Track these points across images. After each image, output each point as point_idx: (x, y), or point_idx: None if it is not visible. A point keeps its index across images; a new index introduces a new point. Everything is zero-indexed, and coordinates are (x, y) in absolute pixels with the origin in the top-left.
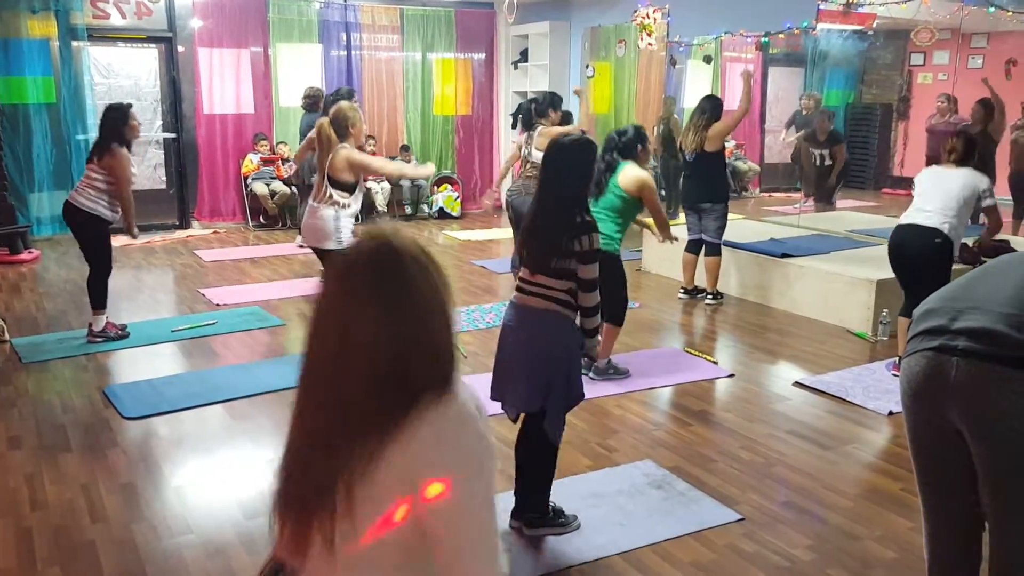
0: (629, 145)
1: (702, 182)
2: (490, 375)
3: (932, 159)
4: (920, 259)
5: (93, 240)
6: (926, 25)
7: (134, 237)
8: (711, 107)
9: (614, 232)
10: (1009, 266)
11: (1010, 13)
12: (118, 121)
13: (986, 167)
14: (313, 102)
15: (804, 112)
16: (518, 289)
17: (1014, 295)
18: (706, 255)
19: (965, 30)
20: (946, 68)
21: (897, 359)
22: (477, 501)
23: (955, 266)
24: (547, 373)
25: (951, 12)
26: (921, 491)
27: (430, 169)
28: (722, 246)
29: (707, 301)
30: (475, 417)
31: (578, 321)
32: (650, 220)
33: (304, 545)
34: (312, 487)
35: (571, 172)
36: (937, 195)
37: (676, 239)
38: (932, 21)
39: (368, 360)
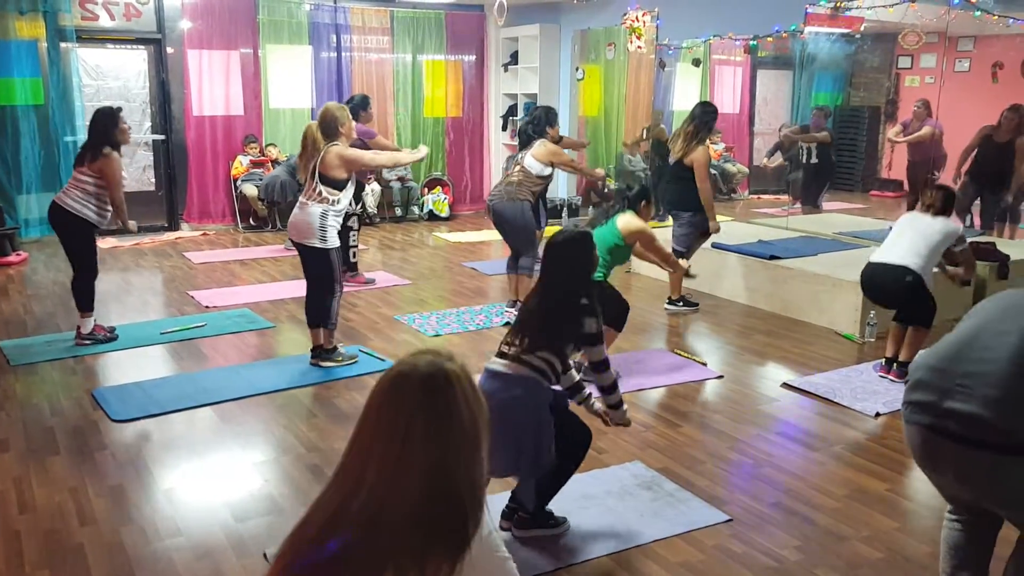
0: (635, 199)
1: (678, 188)
2: (478, 376)
3: (913, 163)
4: (895, 296)
5: (78, 242)
6: (913, 28)
7: (134, 231)
8: (700, 114)
9: (601, 264)
10: (1001, 325)
11: (996, 17)
12: (108, 125)
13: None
14: None
15: (783, 144)
16: (499, 354)
17: (1001, 372)
18: None
19: (952, 33)
20: (933, 71)
21: (884, 360)
22: None
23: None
24: (515, 439)
25: (938, 15)
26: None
27: (423, 151)
28: (683, 254)
29: (665, 305)
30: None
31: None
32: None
33: None
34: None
35: (572, 267)
36: (908, 236)
37: (692, 275)
38: (919, 24)
39: (420, 467)
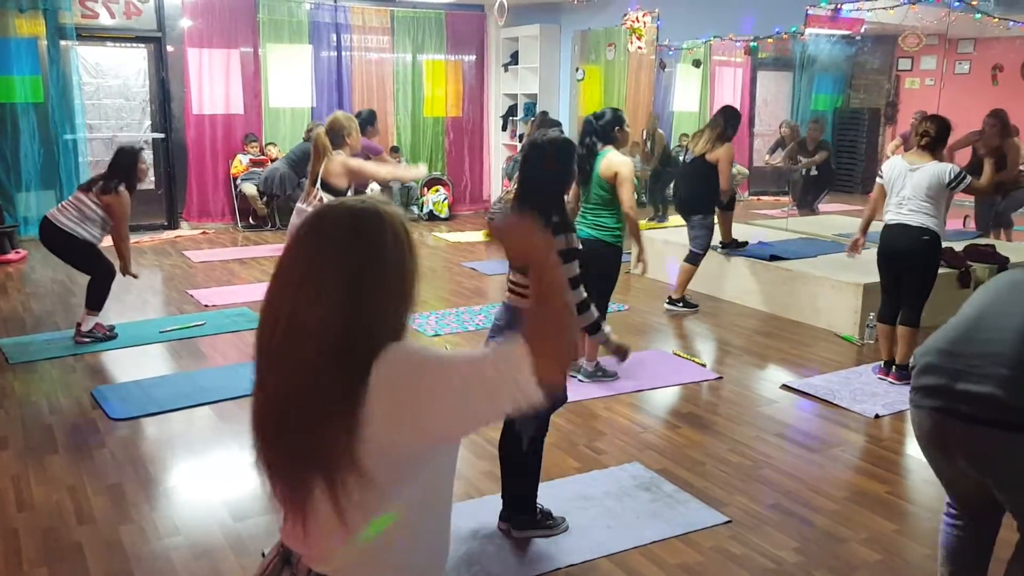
0: (607, 128)
1: (692, 186)
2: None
3: None
4: (911, 258)
5: (78, 256)
6: (913, 30)
7: (134, 277)
8: (727, 117)
9: (614, 223)
10: (1007, 306)
11: (996, 19)
12: (130, 165)
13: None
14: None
15: (784, 140)
16: (508, 288)
17: (1012, 353)
18: (684, 260)
19: (952, 35)
20: (933, 73)
21: (882, 363)
22: (456, 385)
23: (942, 270)
24: None
25: (938, 18)
26: (943, 486)
27: (422, 170)
28: (701, 256)
29: (666, 304)
30: (412, 344)
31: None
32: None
33: (300, 509)
34: (299, 446)
35: (548, 172)
36: (913, 200)
37: (641, 250)
38: (919, 26)
39: (333, 304)
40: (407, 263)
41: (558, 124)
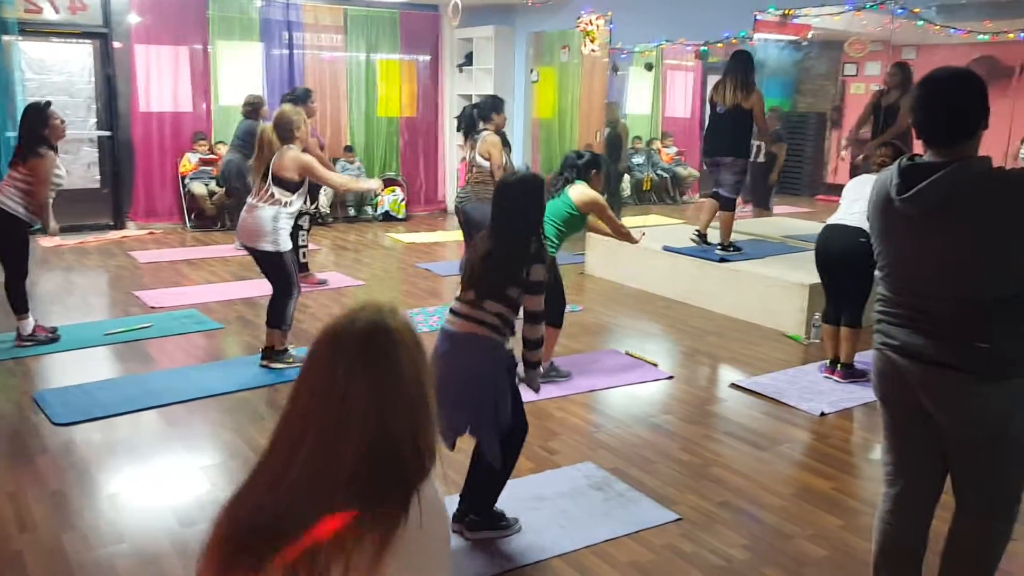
0: (586, 167)
1: (727, 134)
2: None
3: (855, 168)
4: (846, 259)
5: (10, 244)
6: (858, 37)
7: (54, 234)
8: (743, 62)
9: (554, 236)
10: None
11: (938, 27)
12: (36, 124)
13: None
14: (253, 109)
15: None
16: (451, 312)
17: (950, 313)
18: (720, 209)
19: (896, 42)
20: (877, 79)
21: (828, 361)
22: None
23: None
24: (471, 396)
25: (882, 25)
26: (888, 460)
27: (376, 183)
28: (734, 200)
29: (717, 250)
30: (446, 523)
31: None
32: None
33: None
34: (287, 536)
35: (522, 209)
36: (861, 204)
37: (638, 240)
38: (864, 33)
39: (360, 429)
40: (422, 373)
41: (499, 101)
